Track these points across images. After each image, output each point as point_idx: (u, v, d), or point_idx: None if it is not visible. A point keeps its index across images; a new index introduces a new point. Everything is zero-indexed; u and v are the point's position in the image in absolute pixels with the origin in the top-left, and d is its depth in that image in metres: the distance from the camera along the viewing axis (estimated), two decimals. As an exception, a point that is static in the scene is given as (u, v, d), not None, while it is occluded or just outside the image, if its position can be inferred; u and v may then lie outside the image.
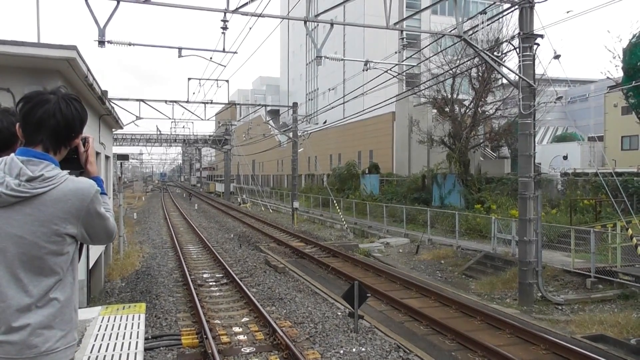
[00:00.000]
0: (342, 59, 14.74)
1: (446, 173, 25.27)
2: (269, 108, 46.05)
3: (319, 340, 8.00)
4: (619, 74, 23.78)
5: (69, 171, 1.79)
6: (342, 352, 7.46)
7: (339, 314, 9.57)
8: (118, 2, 9.55)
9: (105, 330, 4.99)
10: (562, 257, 13.57)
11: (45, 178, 1.66)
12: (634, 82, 18.79)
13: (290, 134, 30.00)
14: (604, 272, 11.60)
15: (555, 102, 20.90)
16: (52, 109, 1.72)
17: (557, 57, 11.83)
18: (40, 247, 1.65)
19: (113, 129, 17.04)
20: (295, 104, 29.98)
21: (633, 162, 23.58)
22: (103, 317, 5.40)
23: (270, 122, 50.14)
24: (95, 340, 4.68)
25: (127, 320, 5.33)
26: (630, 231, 11.92)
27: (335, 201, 26.21)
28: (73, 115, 1.77)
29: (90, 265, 10.53)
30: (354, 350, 7.52)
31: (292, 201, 28.38)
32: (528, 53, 11.31)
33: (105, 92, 10.66)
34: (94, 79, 8.44)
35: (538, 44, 11.37)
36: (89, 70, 7.84)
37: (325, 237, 21.84)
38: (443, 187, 25.19)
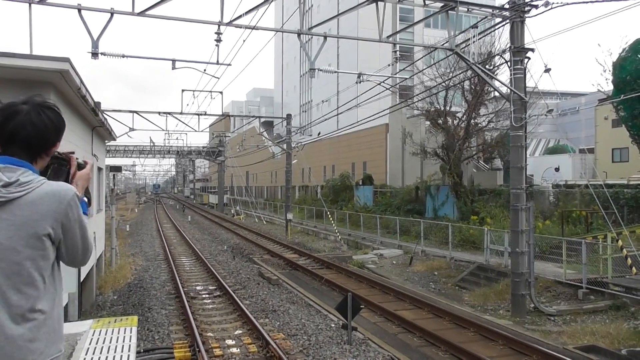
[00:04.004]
0: (335, 72, 14.85)
1: (439, 184, 25.38)
2: (262, 119, 46.20)
3: (313, 352, 7.97)
4: (609, 87, 24.12)
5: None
6: (335, 364, 7.44)
7: (333, 325, 9.54)
8: (112, 14, 9.61)
9: (97, 344, 4.94)
10: (554, 268, 13.63)
11: (21, 183, 1.64)
12: (623, 95, 19.06)
13: (284, 146, 30.07)
14: (595, 283, 11.66)
15: (546, 115, 21.09)
16: (22, 120, 1.69)
17: (547, 70, 12.00)
18: (18, 251, 1.61)
19: (106, 141, 17.02)
20: (289, 116, 30.10)
21: (623, 174, 23.81)
22: (94, 331, 5.35)
23: (264, 133, 50.24)
24: (86, 354, 4.63)
25: (118, 333, 5.28)
26: (620, 242, 12.03)
27: (329, 212, 26.22)
28: (46, 124, 1.73)
29: (82, 278, 10.45)
30: (347, 362, 7.49)
31: (286, 213, 28.35)
32: (519, 66, 11.47)
33: (98, 104, 10.67)
34: (86, 90, 8.46)
35: (529, 58, 11.55)
36: (81, 82, 7.86)
37: (319, 249, 21.80)
38: (436, 198, 25.29)
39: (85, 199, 1.92)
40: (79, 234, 1.75)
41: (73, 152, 1.90)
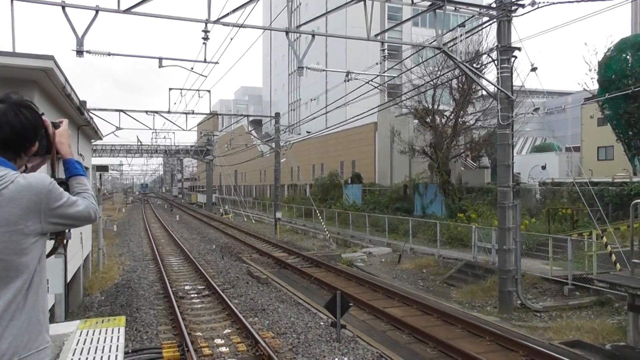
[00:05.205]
0: (323, 70, 14.86)
1: (427, 183, 25.52)
2: (251, 118, 46.05)
3: (302, 350, 7.98)
4: (595, 86, 24.45)
5: (25, 166, 1.76)
6: (324, 362, 7.45)
7: (322, 323, 9.56)
8: (97, 12, 9.50)
9: (84, 344, 4.89)
10: (541, 265, 13.79)
11: None
12: (608, 94, 19.32)
13: (273, 144, 30.01)
14: (580, 279, 11.82)
15: (532, 114, 21.33)
16: None
17: (534, 69, 12.11)
18: (2, 248, 1.59)
19: (92, 140, 16.84)
20: (277, 114, 30.03)
21: (608, 172, 24.15)
22: (81, 331, 5.29)
23: (253, 132, 50.11)
24: (73, 355, 4.58)
25: (106, 334, 5.24)
26: (605, 239, 12.20)
27: (317, 211, 26.23)
28: (23, 124, 1.70)
29: (68, 279, 10.33)
30: (336, 359, 7.52)
31: (275, 211, 28.30)
32: (506, 65, 11.56)
33: (83, 103, 10.55)
34: (71, 89, 8.36)
35: (516, 57, 11.65)
36: (66, 80, 7.76)
37: (308, 247, 21.81)
38: (425, 196, 25.42)
39: (77, 159, 1.91)
40: (72, 212, 1.75)
41: (43, 113, 1.84)
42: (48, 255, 1.88)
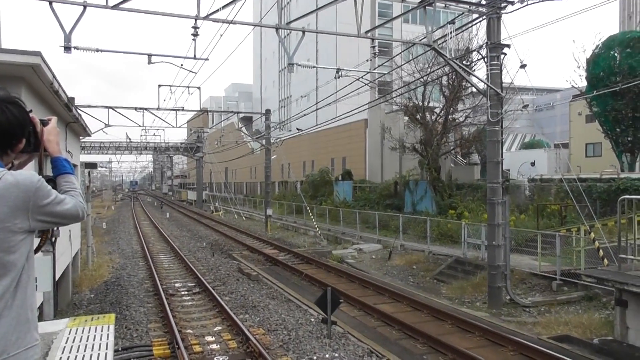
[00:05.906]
0: (314, 67, 14.82)
1: (418, 179, 25.62)
2: (241, 115, 45.93)
3: (293, 347, 7.99)
4: (583, 83, 24.69)
5: (11, 164, 1.75)
6: (315, 358, 7.48)
7: (312, 320, 9.58)
8: (84, 7, 9.40)
9: (73, 342, 4.85)
10: (530, 261, 13.92)
11: None
12: (596, 91, 19.51)
13: (263, 141, 29.93)
14: (568, 274, 11.95)
15: (522, 110, 21.49)
16: None
17: (523, 66, 12.20)
18: None
19: (80, 137, 16.68)
20: (268, 111, 29.96)
21: (596, 168, 24.43)
22: (70, 329, 5.25)
23: (243, 129, 49.92)
24: (62, 353, 4.55)
25: (95, 331, 5.20)
26: (592, 235, 12.34)
27: (308, 208, 26.24)
28: (10, 121, 1.69)
29: (57, 277, 10.24)
30: (327, 356, 7.54)
31: (266, 208, 28.26)
32: (495, 62, 11.63)
33: (72, 99, 10.44)
34: (59, 85, 8.26)
35: (505, 54, 11.73)
36: (54, 76, 7.67)
37: (299, 244, 21.81)
38: (415, 193, 25.52)
39: (65, 157, 1.90)
40: (60, 210, 1.73)
41: (31, 110, 1.82)
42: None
